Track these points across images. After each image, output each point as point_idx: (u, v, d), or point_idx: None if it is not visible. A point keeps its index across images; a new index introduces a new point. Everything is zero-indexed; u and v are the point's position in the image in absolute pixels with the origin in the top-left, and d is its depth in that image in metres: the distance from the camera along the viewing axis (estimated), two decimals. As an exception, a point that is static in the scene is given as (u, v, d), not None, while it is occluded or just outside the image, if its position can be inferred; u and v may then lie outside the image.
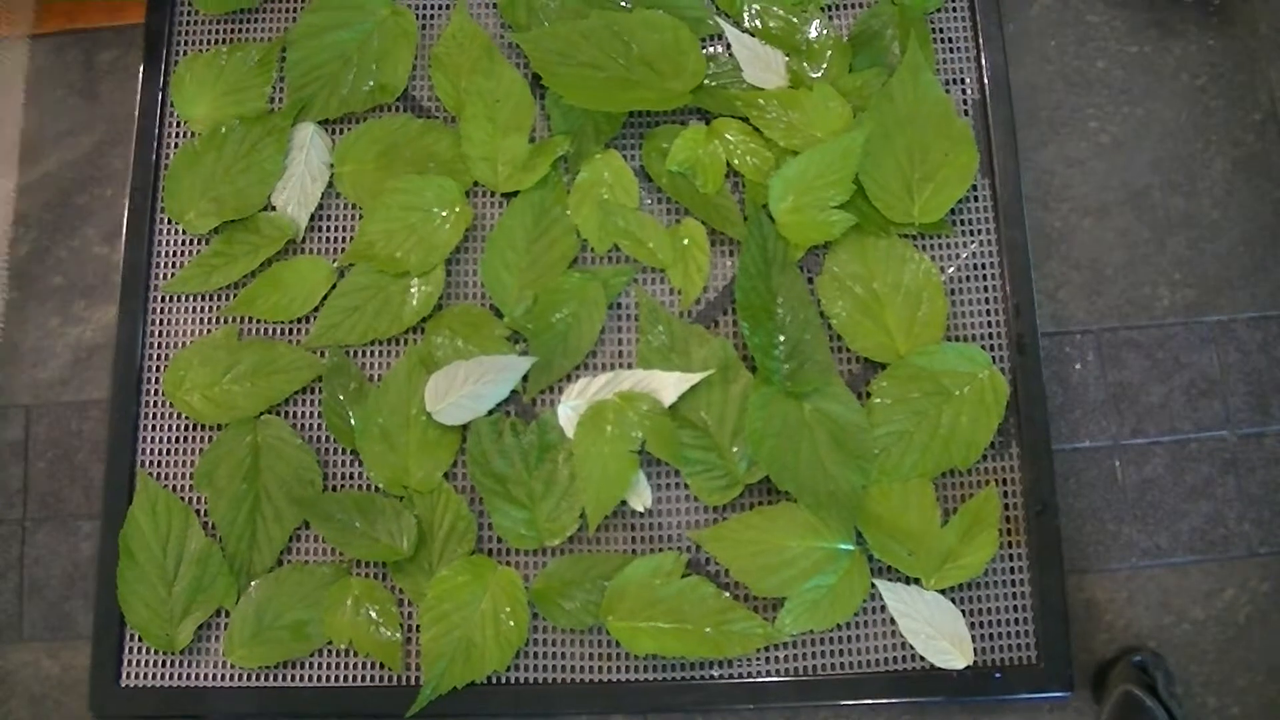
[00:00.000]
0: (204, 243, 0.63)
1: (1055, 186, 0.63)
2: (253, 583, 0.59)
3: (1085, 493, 0.59)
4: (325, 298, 0.62)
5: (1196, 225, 0.61)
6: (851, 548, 0.57)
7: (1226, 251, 0.61)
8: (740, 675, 0.56)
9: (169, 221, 0.64)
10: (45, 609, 0.61)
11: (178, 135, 0.65)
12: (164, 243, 0.63)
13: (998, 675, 0.55)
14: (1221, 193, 0.62)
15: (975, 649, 0.55)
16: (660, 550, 0.58)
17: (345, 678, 0.58)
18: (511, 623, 0.57)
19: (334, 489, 0.60)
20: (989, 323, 0.60)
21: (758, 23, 0.65)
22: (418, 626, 0.58)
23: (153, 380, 0.61)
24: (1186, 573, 0.57)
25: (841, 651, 0.56)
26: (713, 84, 0.64)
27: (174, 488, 0.60)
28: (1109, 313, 0.61)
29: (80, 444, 0.62)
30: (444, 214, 0.63)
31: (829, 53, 0.64)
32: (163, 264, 0.63)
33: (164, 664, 0.59)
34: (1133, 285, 0.61)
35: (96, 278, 0.65)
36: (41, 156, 0.66)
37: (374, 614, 0.58)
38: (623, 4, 0.66)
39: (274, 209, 0.63)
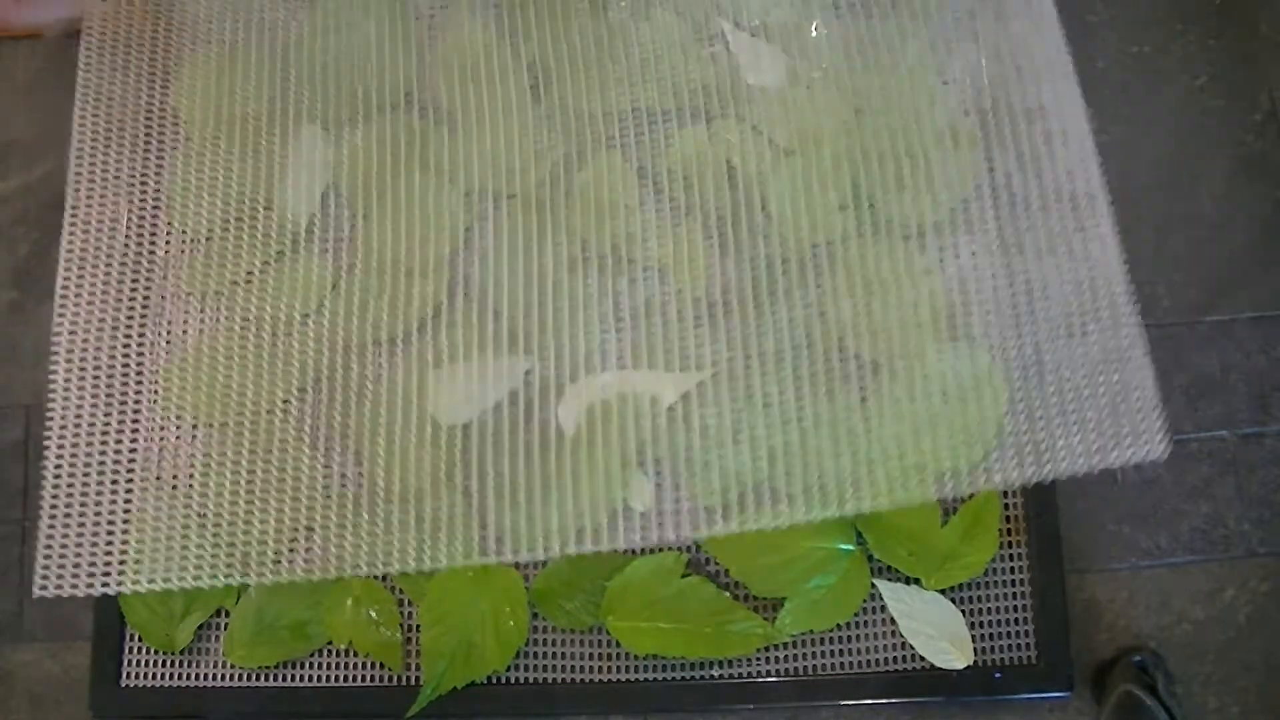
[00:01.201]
0: (204, 243, 0.63)
1: (1055, 186, 0.63)
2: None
3: (1085, 493, 0.59)
4: (326, 298, 0.62)
5: (1196, 225, 0.61)
6: (851, 548, 0.57)
7: (1226, 251, 0.61)
8: (740, 675, 0.56)
9: (169, 221, 0.64)
10: (45, 609, 0.61)
11: (179, 140, 0.65)
12: (164, 243, 0.63)
13: (998, 675, 0.55)
14: (1221, 193, 0.62)
15: (975, 649, 0.55)
16: (660, 550, 0.58)
17: (345, 678, 0.58)
18: (511, 623, 0.57)
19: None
20: (989, 323, 0.60)
21: (757, 22, 0.65)
22: (418, 626, 0.58)
23: (153, 380, 0.61)
24: (1186, 573, 0.57)
25: (841, 651, 0.56)
26: (713, 84, 0.64)
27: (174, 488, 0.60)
28: (1109, 313, 0.61)
29: (80, 444, 0.62)
30: (444, 214, 0.63)
31: (829, 53, 0.64)
32: (163, 264, 0.63)
33: (164, 664, 0.59)
34: (1133, 285, 0.61)
35: (97, 278, 0.65)
36: (41, 156, 0.66)
37: (374, 614, 0.58)
38: (623, 4, 0.66)
39: (274, 209, 0.63)
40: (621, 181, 0.63)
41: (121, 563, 0.56)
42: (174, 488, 0.60)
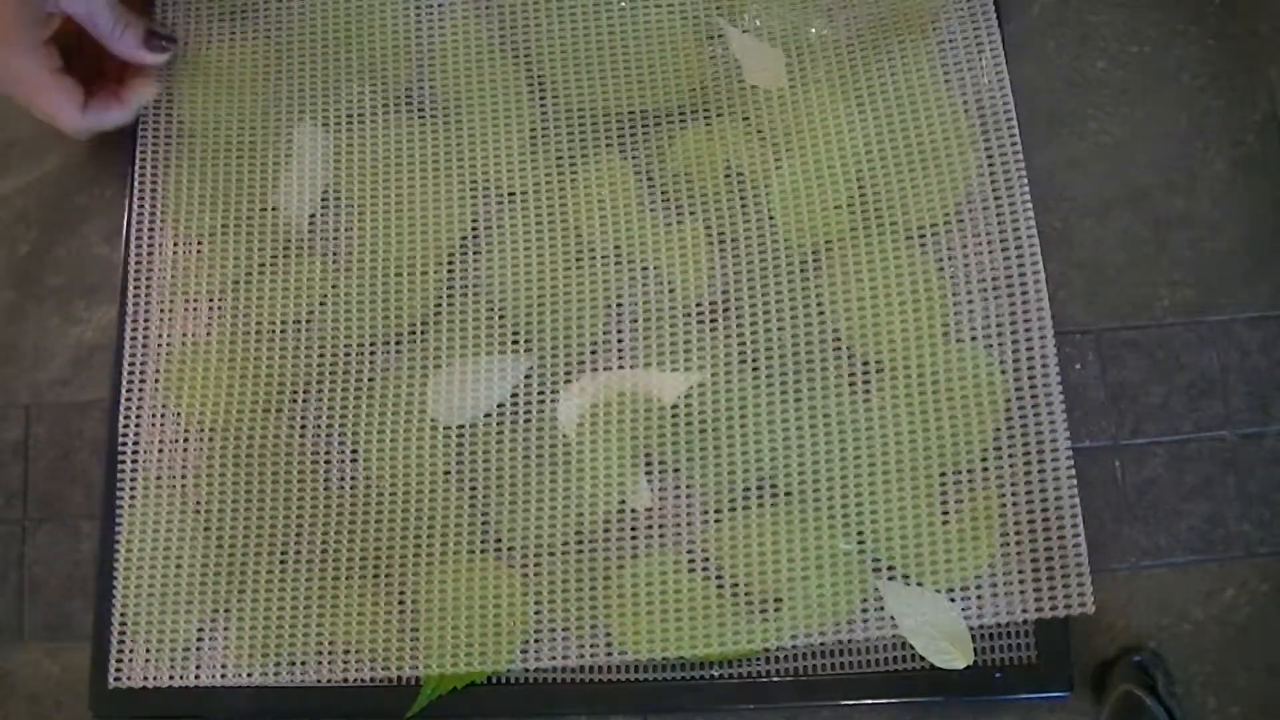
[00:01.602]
0: (204, 242, 0.63)
1: (1055, 187, 0.63)
2: (253, 583, 0.59)
3: (1085, 493, 0.58)
4: (325, 297, 0.62)
5: (1196, 225, 0.61)
6: (851, 548, 0.57)
7: (1226, 251, 0.61)
8: (740, 675, 0.56)
9: (169, 221, 0.64)
10: (45, 609, 0.61)
11: (178, 134, 0.65)
12: (164, 242, 0.63)
13: (998, 675, 0.55)
14: (1221, 193, 0.62)
15: (975, 649, 0.55)
16: (660, 550, 0.58)
17: (345, 678, 0.58)
18: (511, 623, 0.57)
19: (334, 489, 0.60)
20: (989, 323, 0.60)
21: (758, 22, 0.65)
22: (418, 626, 0.58)
23: (149, 385, 0.61)
24: (1186, 573, 0.57)
25: (841, 652, 0.56)
26: (713, 84, 0.64)
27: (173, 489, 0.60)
28: (1109, 313, 0.61)
29: (80, 444, 0.62)
30: (444, 214, 0.63)
31: (829, 53, 0.64)
32: (163, 264, 0.63)
33: (164, 664, 0.59)
34: (1133, 285, 0.61)
35: (96, 278, 0.65)
36: (41, 156, 0.66)
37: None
38: (623, 3, 0.66)
39: (274, 209, 0.63)
40: (621, 181, 0.63)
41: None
42: (173, 489, 0.60)
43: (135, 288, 0.62)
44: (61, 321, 0.64)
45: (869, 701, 0.56)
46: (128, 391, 0.61)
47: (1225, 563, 0.57)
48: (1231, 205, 0.62)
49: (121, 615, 0.57)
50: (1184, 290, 0.61)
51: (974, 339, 0.59)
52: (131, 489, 0.59)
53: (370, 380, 0.61)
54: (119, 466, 0.59)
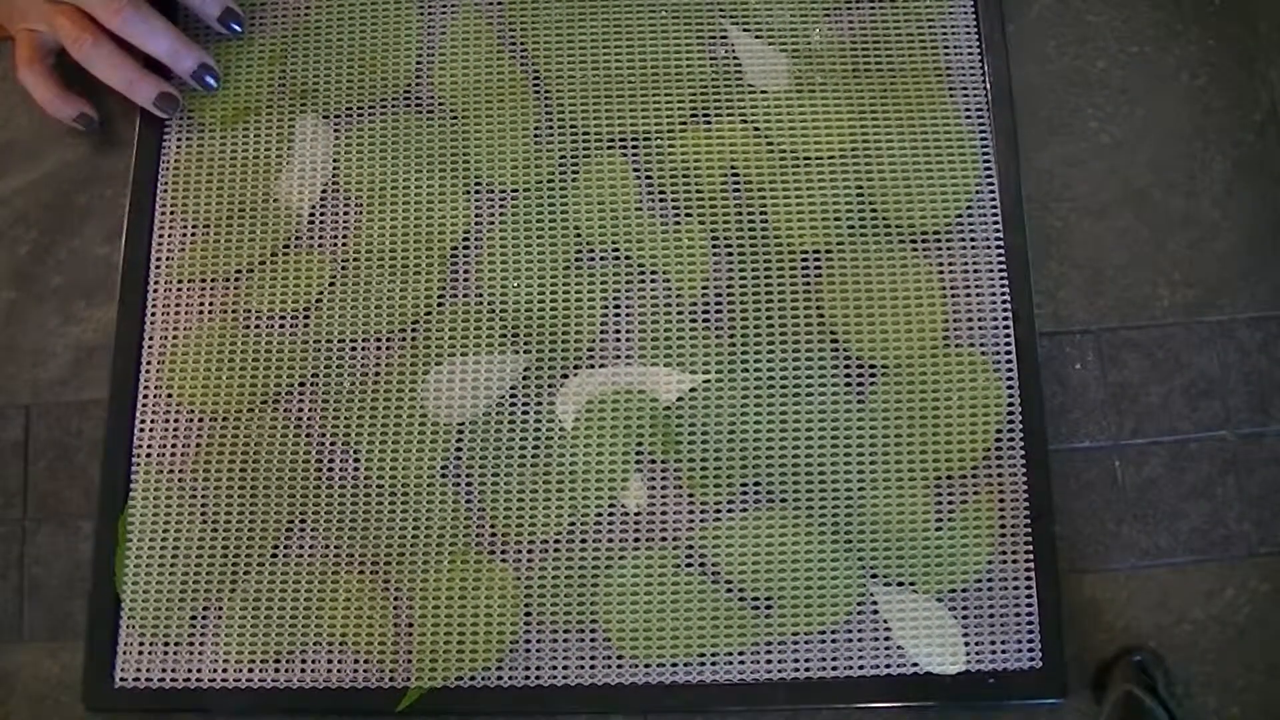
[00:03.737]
0: (204, 234, 0.63)
1: (1055, 187, 0.63)
2: (252, 582, 0.59)
3: (1085, 493, 0.58)
4: (325, 293, 0.62)
5: (1196, 225, 0.61)
6: (850, 548, 0.57)
7: (1226, 251, 0.61)
8: (736, 677, 0.56)
9: (169, 219, 0.64)
10: (45, 609, 0.61)
11: (179, 131, 0.65)
12: (164, 240, 0.63)
13: (992, 680, 0.55)
14: (1221, 193, 0.62)
15: (970, 653, 0.55)
16: (659, 550, 0.58)
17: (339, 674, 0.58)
18: (510, 622, 0.57)
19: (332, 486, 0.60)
20: (988, 326, 0.60)
21: (760, 23, 0.65)
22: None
23: (152, 376, 0.61)
24: (1186, 573, 0.57)
25: (837, 654, 0.56)
26: (713, 84, 0.64)
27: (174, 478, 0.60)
28: (1109, 313, 0.61)
29: (80, 444, 0.62)
30: (444, 211, 0.63)
31: (832, 55, 0.64)
32: (163, 261, 0.63)
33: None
34: (1133, 285, 0.61)
35: (97, 278, 0.65)
36: (41, 156, 0.66)
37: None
38: (625, 3, 0.66)
39: (275, 203, 0.63)
40: (622, 181, 0.63)
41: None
42: (172, 481, 0.60)
43: (135, 279, 0.62)
44: (61, 321, 0.64)
45: (864, 705, 0.56)
46: (127, 384, 0.61)
47: (1225, 563, 0.57)
48: (1231, 205, 0.61)
49: (120, 609, 0.58)
50: (1184, 290, 0.60)
51: (972, 344, 0.59)
52: (131, 482, 0.59)
53: (368, 375, 0.61)
54: (132, 459, 0.60)
